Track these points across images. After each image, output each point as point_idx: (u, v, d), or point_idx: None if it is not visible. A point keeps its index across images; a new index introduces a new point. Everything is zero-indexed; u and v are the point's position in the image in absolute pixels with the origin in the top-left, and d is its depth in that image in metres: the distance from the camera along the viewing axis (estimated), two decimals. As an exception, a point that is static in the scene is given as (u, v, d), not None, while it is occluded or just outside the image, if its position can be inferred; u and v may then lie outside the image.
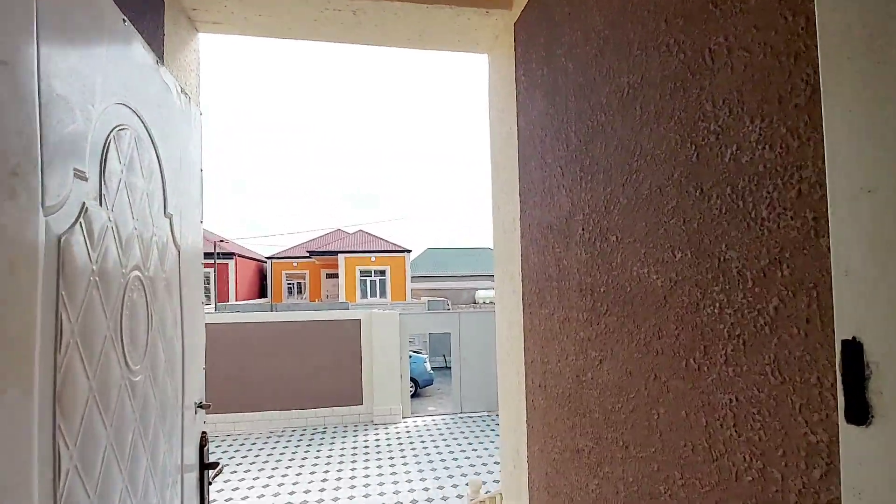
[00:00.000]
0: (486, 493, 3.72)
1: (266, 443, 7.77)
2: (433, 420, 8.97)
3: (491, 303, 26.03)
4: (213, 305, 15.17)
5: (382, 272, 21.59)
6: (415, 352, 12.46)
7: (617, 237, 1.19)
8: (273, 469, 6.69)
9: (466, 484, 5.88)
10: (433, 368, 12.76)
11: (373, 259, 21.25)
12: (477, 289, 28.33)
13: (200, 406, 1.42)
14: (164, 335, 1.11)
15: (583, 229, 1.35)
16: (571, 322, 1.44)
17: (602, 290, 1.26)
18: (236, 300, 19.80)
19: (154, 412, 1.04)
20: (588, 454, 1.37)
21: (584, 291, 1.35)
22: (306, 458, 7.11)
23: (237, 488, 6.09)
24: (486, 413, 9.25)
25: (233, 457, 7.17)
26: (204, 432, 1.45)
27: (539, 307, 1.69)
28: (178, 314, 1.22)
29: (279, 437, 8.08)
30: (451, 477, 6.18)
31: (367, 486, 6.02)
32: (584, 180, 1.34)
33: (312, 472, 6.50)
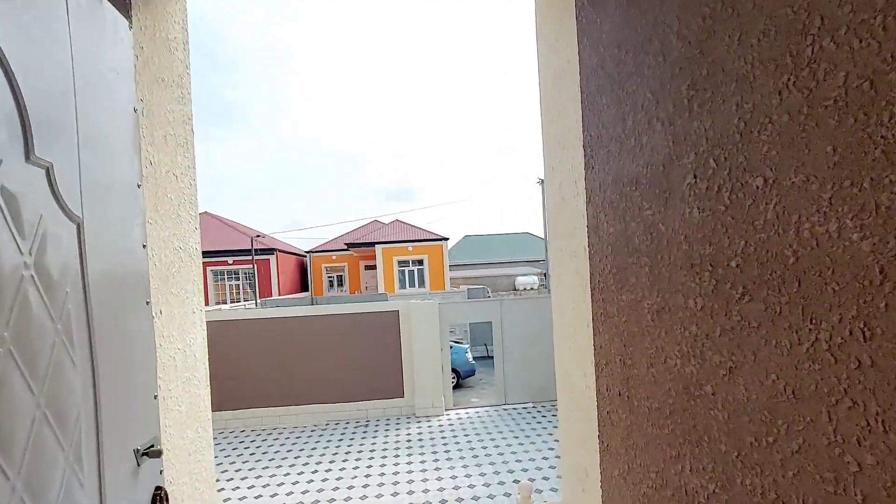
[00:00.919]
0: (543, 503, 3.35)
1: (310, 436, 7.72)
2: (476, 412, 8.65)
3: (532, 289, 25.46)
4: (254, 301, 15.47)
5: (420, 262, 21.41)
6: (455, 342, 12.18)
7: (766, 179, 0.76)
8: (317, 463, 6.58)
9: (514, 482, 5.53)
10: (475, 358, 12.44)
11: (410, 249, 21.09)
12: (517, 275, 27.74)
13: (148, 453, 1.03)
14: (32, 367, 0.72)
15: (695, 176, 0.92)
16: (674, 311, 1.02)
17: (733, 263, 0.83)
18: (279, 295, 20.18)
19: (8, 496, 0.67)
20: (707, 502, 0.95)
21: (699, 267, 0.93)
22: (349, 451, 6.97)
23: (282, 483, 6.01)
24: (531, 404, 8.84)
25: (278, 451, 7.15)
26: (159, 488, 1.05)
27: (617, 291, 1.27)
28: (75, 328, 0.82)
29: (322, 430, 8.01)
30: (497, 473, 5.84)
31: (410, 482, 5.79)
32: (695, 102, 0.91)
33: (356, 468, 6.34)
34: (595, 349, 1.42)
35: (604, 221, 1.33)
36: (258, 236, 18.01)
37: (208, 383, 1.84)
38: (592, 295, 1.42)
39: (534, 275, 28.06)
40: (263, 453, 7.03)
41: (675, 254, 1.00)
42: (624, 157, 1.19)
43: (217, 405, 8.41)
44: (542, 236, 40.45)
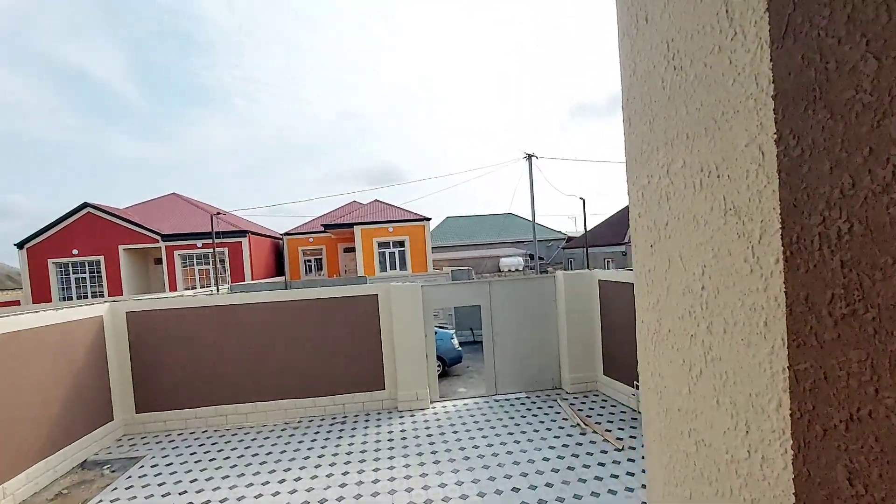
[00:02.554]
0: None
1: (280, 436, 6.91)
2: (465, 404, 7.95)
3: (517, 271, 24.90)
4: (214, 287, 14.44)
5: (401, 243, 20.49)
6: (440, 326, 11.44)
7: None
8: (286, 470, 5.79)
9: (514, 490, 4.84)
10: (460, 344, 11.74)
11: (390, 229, 20.14)
12: (501, 256, 27.12)
13: None
14: None
15: None
16: None
17: None
18: (252, 280, 19.05)
19: None
20: None
21: None
22: (323, 453, 6.20)
23: (242, 497, 5.20)
24: (524, 394, 8.18)
25: (242, 455, 6.32)
26: None
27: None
28: None
29: (294, 428, 7.20)
30: (492, 480, 5.14)
31: (392, 491, 5.05)
32: None
33: (329, 474, 5.57)
34: (791, 350, 0.63)
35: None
36: (218, 214, 16.61)
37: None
38: (794, 234, 0.62)
39: (518, 256, 27.47)
40: (225, 458, 6.20)
41: None
42: None
43: (175, 404, 7.53)
44: (521, 216, 39.90)
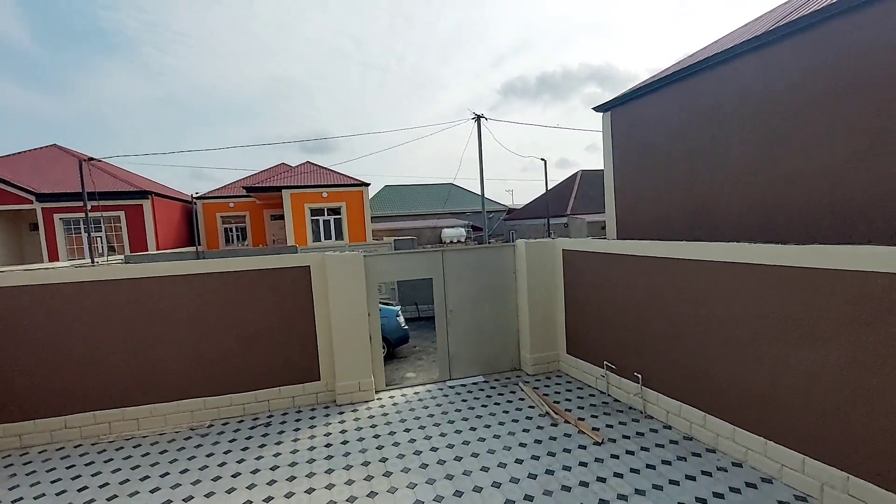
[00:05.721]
0: None
1: (182, 447, 5.44)
2: (416, 392, 6.88)
3: (459, 242, 24.01)
4: (104, 257, 12.11)
5: (336, 210, 18.70)
6: (383, 302, 10.22)
7: None
8: (187, 499, 4.41)
9: (489, 511, 3.84)
10: (406, 321, 10.61)
11: (324, 194, 18.24)
12: (442, 227, 26.09)
13: None
14: None
15: None
16: None
17: None
18: (157, 249, 16.46)
19: None
20: None
21: None
22: (240, 469, 4.87)
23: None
24: (482, 378, 7.27)
25: (126, 479, 4.81)
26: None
27: None
28: None
29: (203, 436, 5.75)
30: (458, 496, 4.12)
31: (332, 519, 3.89)
32: None
33: (247, 501, 4.28)
34: None
35: None
36: (90, 160, 13.73)
37: None
38: None
39: (460, 227, 26.58)
40: (102, 486, 4.65)
41: None
42: None
43: (34, 411, 5.68)
44: (463, 186, 38.88)
